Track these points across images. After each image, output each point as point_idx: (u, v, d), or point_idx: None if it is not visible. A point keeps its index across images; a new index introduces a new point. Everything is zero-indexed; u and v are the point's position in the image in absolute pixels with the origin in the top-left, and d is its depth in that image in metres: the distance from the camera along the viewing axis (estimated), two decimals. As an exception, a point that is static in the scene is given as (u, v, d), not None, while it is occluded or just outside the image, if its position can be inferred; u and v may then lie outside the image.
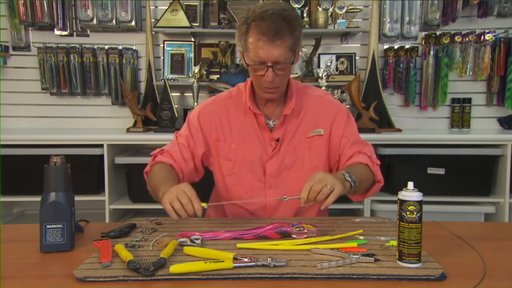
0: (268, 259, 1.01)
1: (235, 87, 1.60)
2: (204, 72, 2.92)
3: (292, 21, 1.35)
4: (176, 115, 2.78)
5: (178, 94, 3.10)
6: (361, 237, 1.22)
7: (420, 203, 1.03)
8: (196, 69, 2.80)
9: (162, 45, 3.05)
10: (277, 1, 1.47)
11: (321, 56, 3.03)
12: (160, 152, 1.51)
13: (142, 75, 3.07)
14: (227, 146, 1.52)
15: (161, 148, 1.53)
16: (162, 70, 3.04)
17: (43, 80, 3.04)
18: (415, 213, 1.02)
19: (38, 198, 1.17)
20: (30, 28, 3.04)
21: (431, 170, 2.62)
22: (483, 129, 3.04)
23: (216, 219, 1.56)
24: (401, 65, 3.02)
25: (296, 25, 1.37)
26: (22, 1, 2.90)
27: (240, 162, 1.51)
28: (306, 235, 1.20)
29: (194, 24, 2.95)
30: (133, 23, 2.94)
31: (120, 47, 3.04)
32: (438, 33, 3.00)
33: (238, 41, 1.43)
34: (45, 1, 2.93)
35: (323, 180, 1.19)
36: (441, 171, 2.61)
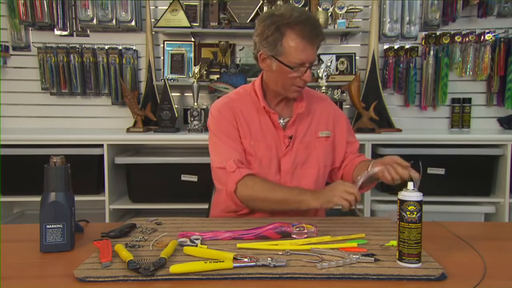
0: (268, 259, 1.01)
1: (240, 89, 1.65)
2: (204, 72, 2.92)
3: (321, 26, 1.50)
4: (176, 115, 2.78)
5: (178, 94, 3.10)
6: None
7: (420, 203, 1.03)
8: (196, 69, 2.80)
9: (162, 45, 3.05)
10: (294, 6, 1.52)
11: (321, 56, 3.01)
12: (236, 165, 1.46)
13: (142, 75, 3.07)
14: (247, 142, 1.54)
15: (226, 160, 1.47)
16: (162, 70, 3.04)
17: (43, 80, 3.03)
18: (415, 213, 1.02)
19: (38, 198, 1.17)
20: (30, 28, 3.04)
21: (431, 170, 2.62)
22: (483, 129, 3.04)
23: (216, 219, 1.56)
24: (401, 65, 3.01)
25: (323, 29, 1.50)
26: (22, 1, 2.90)
27: (259, 158, 1.54)
28: (306, 235, 1.20)
29: (194, 24, 2.95)
30: (133, 23, 2.94)
31: (120, 47, 3.04)
32: (438, 33, 3.00)
33: (267, 45, 1.46)
34: (45, 1, 2.93)
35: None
36: (441, 171, 2.61)
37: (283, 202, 1.41)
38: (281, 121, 1.57)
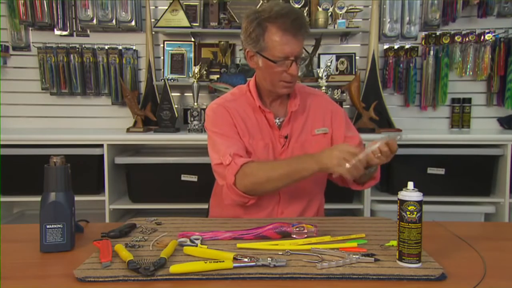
0: (268, 259, 1.01)
1: (236, 89, 1.65)
2: (204, 72, 2.92)
3: (304, 18, 1.49)
4: (176, 115, 2.78)
5: (178, 94, 3.10)
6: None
7: (420, 203, 1.03)
8: (196, 69, 2.80)
9: (162, 45, 3.05)
10: (278, 1, 1.51)
11: (321, 56, 3.03)
12: (232, 158, 1.43)
13: (142, 75, 3.07)
14: (246, 140, 1.54)
15: (223, 155, 1.45)
16: (162, 70, 3.04)
17: (43, 80, 3.03)
18: (415, 213, 1.02)
19: (38, 198, 1.17)
20: (30, 28, 3.04)
21: (431, 170, 2.62)
22: (483, 129, 3.04)
23: (216, 219, 1.56)
24: (401, 65, 3.01)
25: (306, 21, 1.51)
26: (22, 1, 2.90)
27: (258, 157, 1.54)
28: (306, 235, 1.20)
29: (194, 24, 2.95)
30: (133, 23, 2.94)
31: (120, 47, 3.04)
32: (438, 33, 3.00)
33: (251, 42, 1.48)
34: (45, 1, 2.93)
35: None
36: (441, 171, 2.61)
37: (287, 176, 1.39)
38: (277, 120, 1.57)
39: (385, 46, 3.06)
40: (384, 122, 2.84)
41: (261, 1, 2.83)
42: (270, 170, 1.41)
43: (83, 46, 3.03)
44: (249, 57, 1.53)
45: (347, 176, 1.30)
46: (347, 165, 1.27)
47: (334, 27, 2.91)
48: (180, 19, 2.88)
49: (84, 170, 2.54)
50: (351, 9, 2.89)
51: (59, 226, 1.15)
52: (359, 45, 3.09)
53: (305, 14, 2.88)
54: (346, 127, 1.62)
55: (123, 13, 2.92)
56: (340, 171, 1.29)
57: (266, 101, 1.58)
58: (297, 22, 1.42)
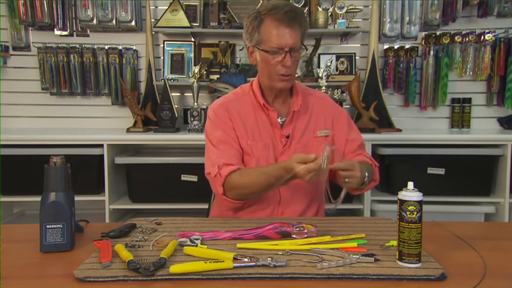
0: (268, 259, 1.01)
1: (239, 89, 1.66)
2: (204, 72, 2.92)
3: (301, 13, 1.52)
4: (176, 115, 2.78)
5: (178, 94, 3.10)
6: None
7: (420, 203, 1.03)
8: (196, 69, 2.80)
9: (162, 45, 3.05)
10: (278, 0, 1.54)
11: (321, 56, 3.03)
12: (219, 169, 1.46)
13: (142, 75, 3.07)
14: (244, 142, 1.55)
15: (213, 166, 1.48)
16: (162, 70, 3.04)
17: (43, 80, 3.04)
18: (415, 213, 1.02)
19: (38, 198, 1.17)
20: (30, 28, 3.04)
21: (431, 170, 2.62)
22: (483, 129, 3.04)
23: (216, 219, 1.56)
24: (401, 65, 3.01)
25: (304, 16, 1.51)
26: (22, 1, 2.90)
27: (257, 157, 1.54)
28: (306, 235, 1.20)
29: (194, 24, 2.95)
30: (133, 23, 2.94)
31: (120, 47, 3.04)
32: (438, 33, 3.00)
33: (248, 37, 1.52)
34: (45, 1, 2.93)
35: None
36: (441, 171, 2.61)
37: (268, 186, 1.43)
38: (279, 120, 1.57)
39: (385, 46, 3.06)
40: (384, 122, 2.85)
41: (261, 1, 2.83)
42: (251, 182, 1.43)
43: (83, 46, 3.03)
44: (250, 54, 1.56)
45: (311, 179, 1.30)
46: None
47: (334, 27, 2.91)
48: (180, 19, 2.88)
49: (84, 170, 2.54)
50: (351, 9, 2.89)
51: (59, 226, 1.15)
52: (359, 45, 3.09)
53: (305, 14, 2.88)
54: (348, 130, 1.63)
55: (123, 13, 2.92)
56: (306, 179, 1.29)
57: (268, 100, 1.59)
58: (290, 13, 1.44)
